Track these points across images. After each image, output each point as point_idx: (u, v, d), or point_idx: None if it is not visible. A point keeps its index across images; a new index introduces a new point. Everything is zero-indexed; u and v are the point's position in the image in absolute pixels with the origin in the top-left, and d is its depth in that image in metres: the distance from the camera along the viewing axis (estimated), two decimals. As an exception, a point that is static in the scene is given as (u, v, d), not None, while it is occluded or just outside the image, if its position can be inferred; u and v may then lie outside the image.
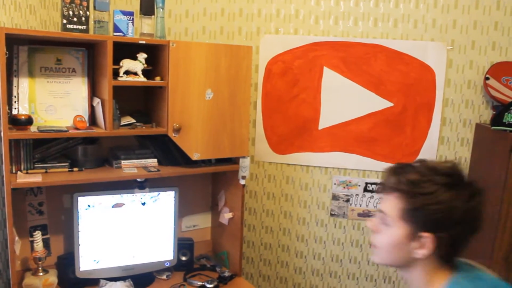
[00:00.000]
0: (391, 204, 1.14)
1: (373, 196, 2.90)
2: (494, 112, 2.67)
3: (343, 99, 2.81)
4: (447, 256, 1.12)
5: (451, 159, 2.82)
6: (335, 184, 2.93)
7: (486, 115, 2.74)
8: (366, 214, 2.93)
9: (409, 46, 2.72)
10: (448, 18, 2.68)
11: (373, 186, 2.89)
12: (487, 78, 2.64)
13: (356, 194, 2.92)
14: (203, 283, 2.36)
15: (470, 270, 1.17)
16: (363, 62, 2.76)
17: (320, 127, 2.87)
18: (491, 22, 2.65)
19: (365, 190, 2.90)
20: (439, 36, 2.70)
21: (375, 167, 2.87)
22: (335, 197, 2.94)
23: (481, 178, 2.62)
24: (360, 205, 2.93)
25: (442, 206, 1.05)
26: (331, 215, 2.98)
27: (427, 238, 1.08)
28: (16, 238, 1.97)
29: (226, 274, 2.51)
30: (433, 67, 2.72)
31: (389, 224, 1.15)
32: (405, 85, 2.75)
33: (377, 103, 2.79)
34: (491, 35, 2.66)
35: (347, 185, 2.91)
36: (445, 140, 2.80)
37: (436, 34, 2.70)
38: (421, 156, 2.80)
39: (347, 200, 2.93)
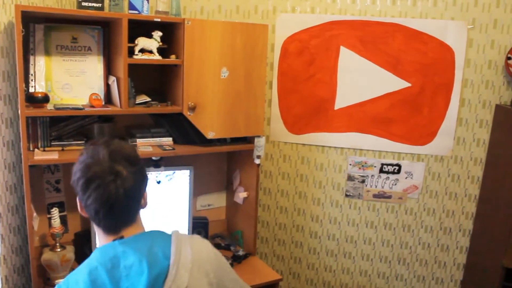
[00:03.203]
0: None
1: (388, 178, 2.88)
2: (515, 93, 2.61)
3: (360, 79, 2.77)
4: (99, 222, 1.27)
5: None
6: (350, 164, 2.91)
7: (507, 96, 2.68)
8: (381, 195, 2.91)
9: (428, 25, 2.66)
10: (470, -4, 2.61)
11: (389, 167, 2.86)
12: (508, 58, 2.58)
13: (372, 175, 2.90)
14: (217, 261, 2.39)
15: (137, 237, 1.33)
16: (380, 41, 2.71)
17: (336, 107, 2.84)
18: (514, -1, 2.57)
19: (381, 171, 2.88)
20: (460, 15, 2.63)
21: (392, 148, 2.84)
22: (350, 178, 2.93)
23: (500, 160, 2.58)
24: (376, 186, 2.91)
25: (72, 180, 1.26)
26: (346, 196, 2.97)
27: (79, 203, 1.29)
28: (34, 214, 2.00)
29: (241, 253, 2.53)
30: (452, 46, 2.66)
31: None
32: (423, 65, 2.70)
33: (394, 83, 2.75)
34: (514, 13, 2.59)
35: (362, 166, 2.89)
36: (463, 122, 2.75)
37: (456, 12, 2.63)
38: (439, 137, 2.76)
39: (363, 181, 2.92)
